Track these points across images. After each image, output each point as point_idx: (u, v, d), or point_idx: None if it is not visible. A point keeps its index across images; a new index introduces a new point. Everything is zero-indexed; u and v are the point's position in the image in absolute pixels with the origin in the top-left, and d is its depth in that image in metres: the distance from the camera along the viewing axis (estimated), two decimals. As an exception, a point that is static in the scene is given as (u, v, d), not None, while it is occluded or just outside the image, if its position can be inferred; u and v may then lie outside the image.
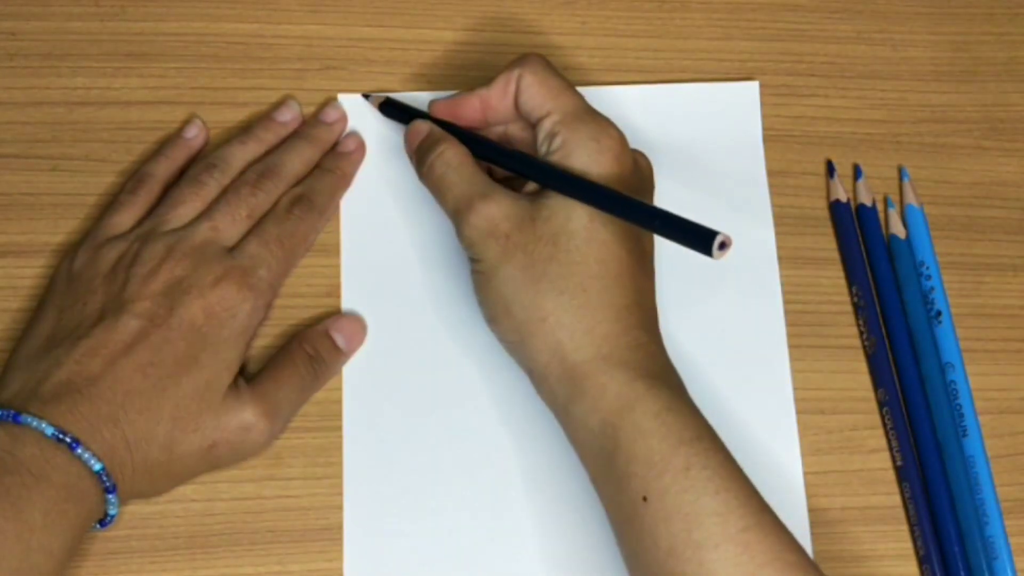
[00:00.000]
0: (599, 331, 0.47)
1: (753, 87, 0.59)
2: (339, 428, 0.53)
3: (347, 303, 0.54)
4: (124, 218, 0.52)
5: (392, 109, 0.56)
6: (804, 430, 0.54)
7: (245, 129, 0.55)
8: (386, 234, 0.56)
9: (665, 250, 0.50)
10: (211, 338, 0.49)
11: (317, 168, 0.55)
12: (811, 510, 0.53)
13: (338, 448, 0.52)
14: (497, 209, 0.49)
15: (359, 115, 0.57)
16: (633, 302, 0.48)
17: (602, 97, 0.55)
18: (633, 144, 0.51)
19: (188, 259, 0.50)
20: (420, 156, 0.53)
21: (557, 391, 0.48)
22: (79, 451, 0.45)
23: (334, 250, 0.55)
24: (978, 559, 0.52)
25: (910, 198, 0.58)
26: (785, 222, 0.57)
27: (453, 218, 0.51)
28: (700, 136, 0.58)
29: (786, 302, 0.56)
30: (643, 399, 0.46)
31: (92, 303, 0.49)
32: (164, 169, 0.54)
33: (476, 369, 0.54)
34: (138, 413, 0.47)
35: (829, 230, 0.58)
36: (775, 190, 0.58)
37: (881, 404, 0.55)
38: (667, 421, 0.45)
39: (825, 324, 0.56)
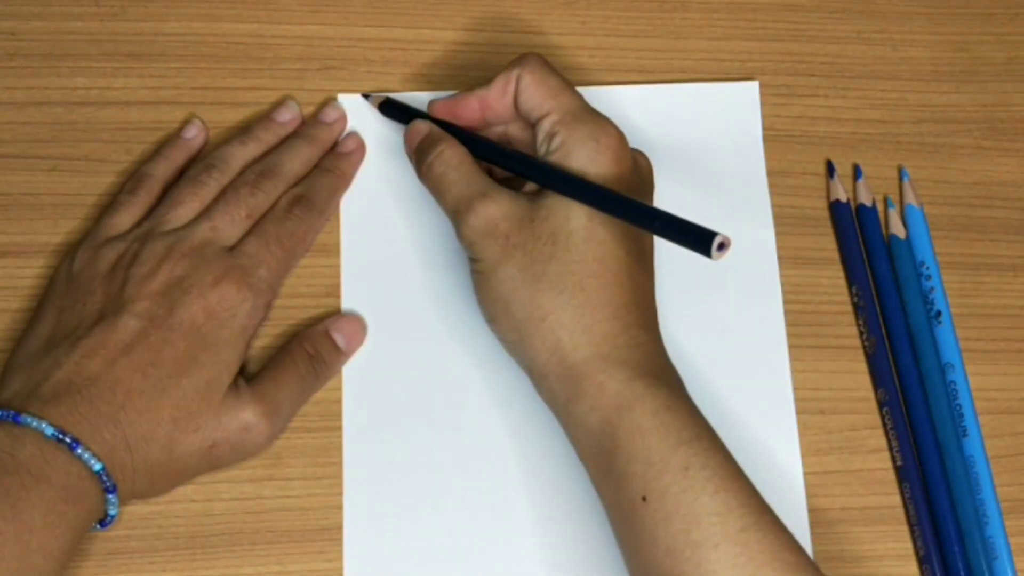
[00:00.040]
0: (598, 330, 0.47)
1: (753, 87, 0.59)
2: (339, 428, 0.53)
3: (347, 303, 0.54)
4: (123, 218, 0.52)
5: (392, 109, 0.56)
6: (804, 430, 0.54)
7: (244, 129, 0.55)
8: (386, 234, 0.56)
9: (665, 250, 0.50)
10: (211, 338, 0.49)
11: (316, 168, 0.55)
12: (811, 510, 0.53)
13: (338, 448, 0.52)
14: (496, 209, 0.49)
15: (359, 115, 0.57)
16: (632, 301, 0.48)
17: (602, 97, 0.55)
18: (633, 144, 0.52)
19: (187, 259, 0.50)
20: (419, 156, 0.53)
21: (556, 390, 0.48)
22: (79, 451, 0.45)
23: (334, 250, 0.55)
24: (978, 559, 0.52)
25: (910, 198, 0.58)
26: (785, 222, 0.57)
27: (452, 218, 0.51)
28: (700, 136, 0.58)
29: (786, 302, 0.56)
30: (642, 398, 0.46)
31: (91, 303, 0.49)
32: (164, 169, 0.54)
33: (476, 369, 0.54)
34: (138, 413, 0.47)
35: (829, 230, 0.58)
36: (775, 190, 0.58)
37: (881, 404, 0.55)
38: (666, 420, 0.45)
39: (825, 324, 0.56)
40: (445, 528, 0.52)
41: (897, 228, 0.57)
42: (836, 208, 0.57)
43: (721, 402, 0.53)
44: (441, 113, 0.54)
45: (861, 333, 0.56)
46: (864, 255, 0.57)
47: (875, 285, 0.57)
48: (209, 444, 0.49)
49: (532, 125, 0.52)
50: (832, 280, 0.57)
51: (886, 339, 0.56)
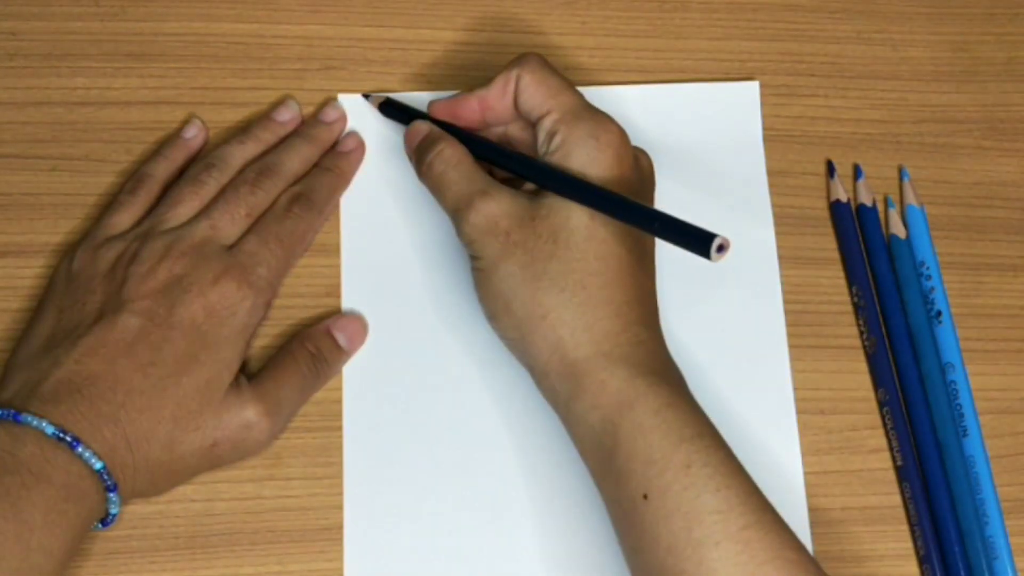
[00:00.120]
0: (599, 328, 0.47)
1: (753, 87, 0.59)
2: (339, 428, 0.53)
3: (347, 303, 0.54)
4: (123, 218, 0.52)
5: (392, 109, 0.56)
6: (804, 430, 0.54)
7: (244, 129, 0.55)
8: (386, 234, 0.56)
9: (666, 250, 0.49)
10: (211, 336, 0.49)
11: (316, 167, 0.55)
12: (811, 510, 0.53)
13: (338, 448, 0.52)
14: (497, 206, 0.49)
15: (359, 115, 0.57)
16: (633, 299, 0.48)
17: (602, 97, 0.55)
18: (633, 144, 0.51)
19: (187, 257, 0.50)
20: (419, 155, 0.53)
21: (558, 388, 0.48)
22: (79, 450, 0.45)
23: (334, 250, 0.55)
24: (978, 559, 0.52)
25: (910, 198, 0.58)
26: (785, 222, 0.57)
27: (453, 216, 0.51)
28: (700, 136, 0.58)
29: (786, 302, 0.56)
30: (644, 396, 0.46)
31: (91, 302, 0.49)
32: (163, 169, 0.54)
33: (477, 368, 0.54)
34: (139, 412, 0.47)
35: (829, 230, 0.58)
36: (775, 190, 0.58)
37: (881, 404, 0.55)
38: (668, 418, 0.45)
39: (825, 324, 0.56)
40: (445, 528, 0.52)
41: (897, 228, 0.57)
42: (836, 208, 0.57)
43: (721, 402, 0.53)
44: (441, 114, 0.54)
45: (861, 333, 0.56)
46: (864, 255, 0.57)
47: (875, 285, 0.57)
48: (210, 443, 0.49)
49: (532, 125, 0.51)
50: (832, 280, 0.57)
51: (886, 339, 0.56)
